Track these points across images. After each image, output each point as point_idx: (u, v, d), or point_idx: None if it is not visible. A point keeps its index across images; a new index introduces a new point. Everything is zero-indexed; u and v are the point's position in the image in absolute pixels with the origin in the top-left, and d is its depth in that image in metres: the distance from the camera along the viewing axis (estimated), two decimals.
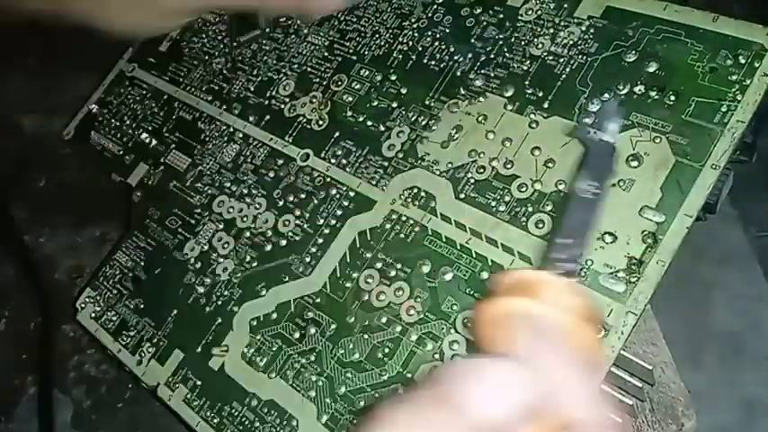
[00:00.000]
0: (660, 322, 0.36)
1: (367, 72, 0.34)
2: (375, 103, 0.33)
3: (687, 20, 0.28)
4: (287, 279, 0.31)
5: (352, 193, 0.31)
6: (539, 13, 0.31)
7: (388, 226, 0.30)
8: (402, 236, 0.29)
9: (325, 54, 0.36)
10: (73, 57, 0.44)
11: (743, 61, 0.26)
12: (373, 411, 0.16)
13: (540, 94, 0.29)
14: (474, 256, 0.28)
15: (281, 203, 0.33)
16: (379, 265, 0.29)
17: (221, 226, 0.34)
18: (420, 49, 0.33)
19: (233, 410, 0.30)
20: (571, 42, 0.30)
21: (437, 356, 0.27)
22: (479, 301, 0.20)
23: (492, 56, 0.31)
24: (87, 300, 0.36)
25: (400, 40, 0.34)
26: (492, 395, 0.16)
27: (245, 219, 0.34)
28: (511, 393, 0.16)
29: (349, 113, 0.34)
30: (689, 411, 0.35)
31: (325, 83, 0.35)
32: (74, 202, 0.42)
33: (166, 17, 0.32)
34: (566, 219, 0.23)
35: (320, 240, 0.31)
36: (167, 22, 0.33)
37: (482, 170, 0.29)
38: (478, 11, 0.33)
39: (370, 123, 0.33)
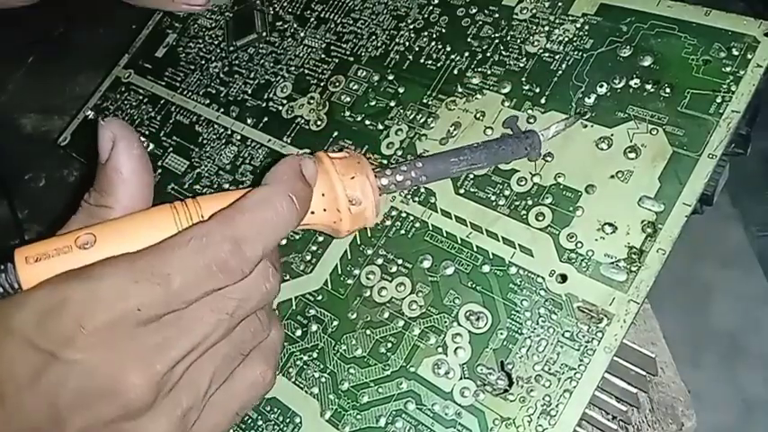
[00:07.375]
0: (660, 322, 0.36)
1: (364, 72, 0.34)
2: (373, 103, 0.33)
3: (680, 14, 0.29)
4: (288, 277, 0.31)
5: None
6: (534, 11, 0.32)
7: (388, 222, 0.30)
8: (403, 232, 0.30)
9: (323, 56, 0.36)
10: (73, 57, 0.44)
11: (736, 53, 0.27)
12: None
13: (537, 90, 0.30)
14: (475, 249, 0.28)
15: None
16: (380, 261, 0.29)
17: None
18: (417, 49, 0.33)
19: None
20: (566, 39, 0.30)
21: (440, 350, 0.27)
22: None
23: (488, 54, 0.32)
24: None
25: (397, 41, 0.34)
26: None
27: None
28: None
29: (347, 113, 0.34)
30: (689, 411, 0.35)
31: (322, 84, 0.35)
32: (74, 202, 0.42)
33: None
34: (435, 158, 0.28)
35: (320, 238, 0.31)
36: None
37: None
38: (474, 11, 0.33)
39: (368, 122, 0.33)
